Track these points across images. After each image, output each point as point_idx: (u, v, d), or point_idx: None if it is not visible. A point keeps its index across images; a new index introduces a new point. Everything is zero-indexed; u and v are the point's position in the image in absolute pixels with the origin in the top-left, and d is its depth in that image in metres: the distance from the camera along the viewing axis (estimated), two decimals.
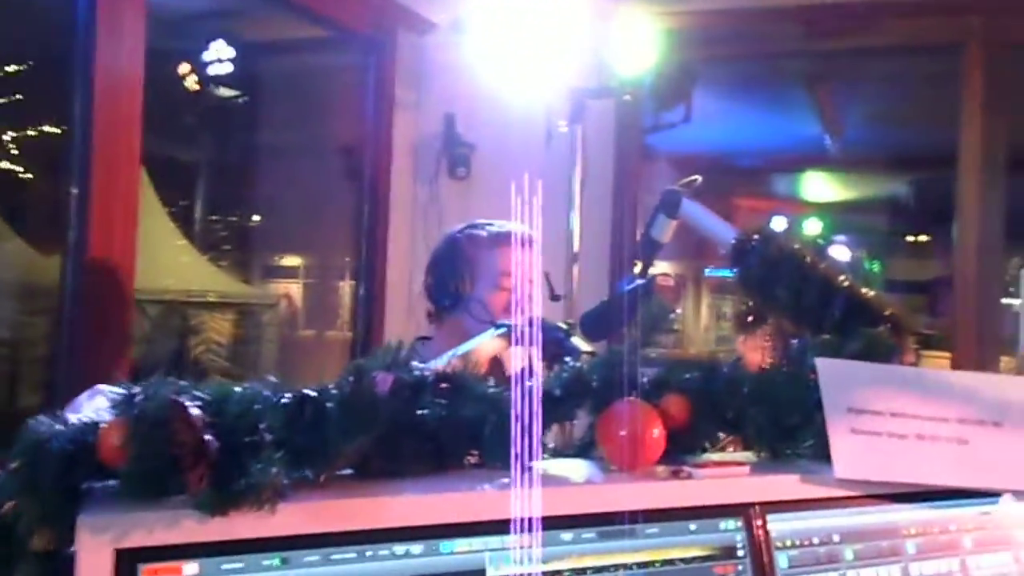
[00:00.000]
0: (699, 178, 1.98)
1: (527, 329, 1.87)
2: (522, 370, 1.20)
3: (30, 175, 6.56)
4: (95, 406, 1.03)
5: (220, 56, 3.54)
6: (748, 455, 1.36)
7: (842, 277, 1.67)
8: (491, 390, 1.21)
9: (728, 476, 1.23)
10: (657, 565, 1.15)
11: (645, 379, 1.31)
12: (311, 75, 3.98)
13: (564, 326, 2.11)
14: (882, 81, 4.29)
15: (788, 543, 1.24)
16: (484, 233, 2.14)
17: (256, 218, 7.58)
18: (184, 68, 3.78)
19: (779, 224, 5.61)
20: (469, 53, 3.46)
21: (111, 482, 1.00)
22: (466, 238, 2.14)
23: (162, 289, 6.72)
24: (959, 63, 3.27)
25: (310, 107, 4.13)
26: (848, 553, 1.27)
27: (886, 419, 1.32)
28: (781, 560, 1.22)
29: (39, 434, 0.94)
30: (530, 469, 1.22)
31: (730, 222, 1.96)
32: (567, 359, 1.64)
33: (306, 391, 1.08)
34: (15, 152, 6.48)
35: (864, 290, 1.67)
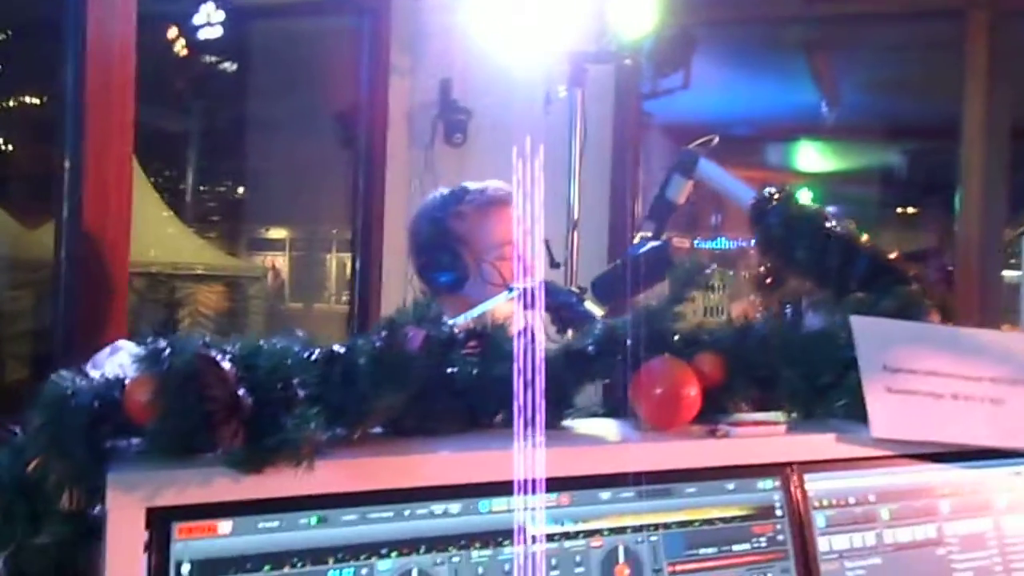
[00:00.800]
0: (716, 138, 1.94)
1: (537, 292, 1.85)
2: (530, 330, 1.16)
3: (11, 147, 6.44)
4: (118, 361, 0.99)
5: (210, 19, 3.45)
6: (778, 415, 1.34)
7: (864, 237, 1.64)
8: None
9: (765, 435, 1.20)
10: (696, 524, 1.12)
11: (676, 337, 1.28)
12: (303, 39, 3.90)
13: (575, 291, 2.09)
14: (882, 49, 4.25)
15: (825, 503, 1.21)
16: (469, 207, 2.06)
17: (243, 189, 7.49)
18: (172, 32, 3.69)
19: None
20: (466, 16, 3.40)
21: (136, 440, 0.96)
22: (452, 216, 2.06)
23: (148, 261, 6.64)
24: (962, 30, 3.23)
25: (302, 73, 4.06)
26: (884, 513, 1.24)
27: (921, 378, 1.30)
28: (818, 520, 1.20)
29: (63, 390, 0.90)
30: (563, 428, 1.19)
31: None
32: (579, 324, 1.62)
33: (336, 347, 1.04)
34: None
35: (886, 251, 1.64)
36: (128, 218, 2.56)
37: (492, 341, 1.17)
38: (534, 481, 1.04)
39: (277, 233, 10.01)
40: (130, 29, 2.51)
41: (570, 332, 1.71)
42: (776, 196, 1.70)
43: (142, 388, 0.92)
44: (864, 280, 1.58)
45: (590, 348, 1.19)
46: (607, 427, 1.21)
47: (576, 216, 3.11)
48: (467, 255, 2.04)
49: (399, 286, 3.64)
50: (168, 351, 0.93)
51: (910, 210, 7.00)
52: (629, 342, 1.21)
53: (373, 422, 1.03)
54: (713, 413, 1.24)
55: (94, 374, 0.96)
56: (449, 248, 2.03)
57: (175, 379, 0.91)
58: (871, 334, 1.31)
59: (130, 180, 2.55)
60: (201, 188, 7.10)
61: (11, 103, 6.39)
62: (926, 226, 6.20)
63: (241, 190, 7.22)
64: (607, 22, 3.25)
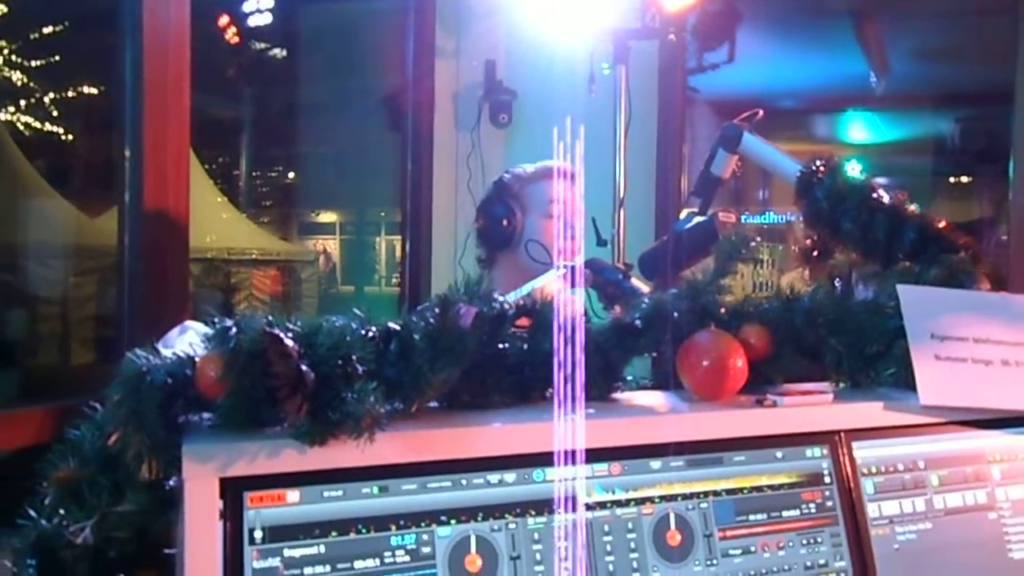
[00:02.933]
0: (760, 112, 1.94)
1: (583, 269, 1.89)
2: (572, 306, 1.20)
3: (71, 136, 6.59)
4: (187, 340, 1.04)
5: (260, 6, 3.51)
6: (825, 385, 1.35)
7: (912, 207, 1.64)
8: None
9: (813, 404, 1.22)
10: (745, 492, 1.15)
11: (723, 309, 1.30)
12: (350, 24, 3.94)
13: (621, 267, 2.12)
14: (932, 15, 4.18)
15: (873, 469, 1.23)
16: (529, 168, 2.22)
17: (294, 174, 7.60)
18: (223, 20, 3.75)
19: None
20: None
21: (206, 414, 1.01)
22: (511, 176, 2.23)
23: (204, 247, 6.79)
24: None
25: (350, 57, 4.10)
26: (933, 479, 1.26)
27: (970, 345, 1.30)
28: (867, 486, 1.22)
29: (139, 368, 0.95)
30: (613, 400, 1.22)
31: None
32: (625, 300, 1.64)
33: (391, 324, 1.09)
34: (55, 114, 6.52)
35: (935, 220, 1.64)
36: (186, 204, 2.63)
37: (542, 317, 1.21)
38: (585, 451, 1.08)
39: (327, 217, 10.13)
40: (185, 17, 2.56)
41: (616, 308, 1.74)
42: (822, 168, 1.71)
43: (212, 365, 0.97)
44: (912, 250, 1.58)
45: (637, 322, 1.22)
46: (656, 399, 1.24)
47: (622, 194, 3.13)
48: (517, 209, 2.16)
49: (449, 267, 3.69)
50: (235, 330, 0.98)
51: (964, 179, 6.87)
52: (676, 315, 1.23)
53: (429, 396, 1.07)
54: (760, 384, 1.26)
55: (166, 353, 1.02)
56: (504, 202, 2.17)
57: (243, 356, 0.95)
58: (918, 303, 1.32)
59: (187, 167, 2.62)
60: (254, 174, 7.23)
61: (70, 93, 6.54)
62: (980, 196, 6.10)
63: (292, 175, 7.34)
64: None
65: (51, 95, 6.63)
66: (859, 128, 6.16)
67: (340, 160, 5.38)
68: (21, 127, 6.53)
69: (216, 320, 1.01)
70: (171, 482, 0.99)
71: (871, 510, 1.21)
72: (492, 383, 1.14)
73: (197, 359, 0.98)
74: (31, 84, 6.54)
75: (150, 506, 0.96)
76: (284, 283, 7.99)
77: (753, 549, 1.13)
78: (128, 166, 2.54)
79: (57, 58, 6.44)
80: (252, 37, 3.94)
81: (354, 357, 1.00)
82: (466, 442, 1.03)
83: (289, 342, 0.96)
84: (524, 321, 1.21)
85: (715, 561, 1.11)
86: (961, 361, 1.29)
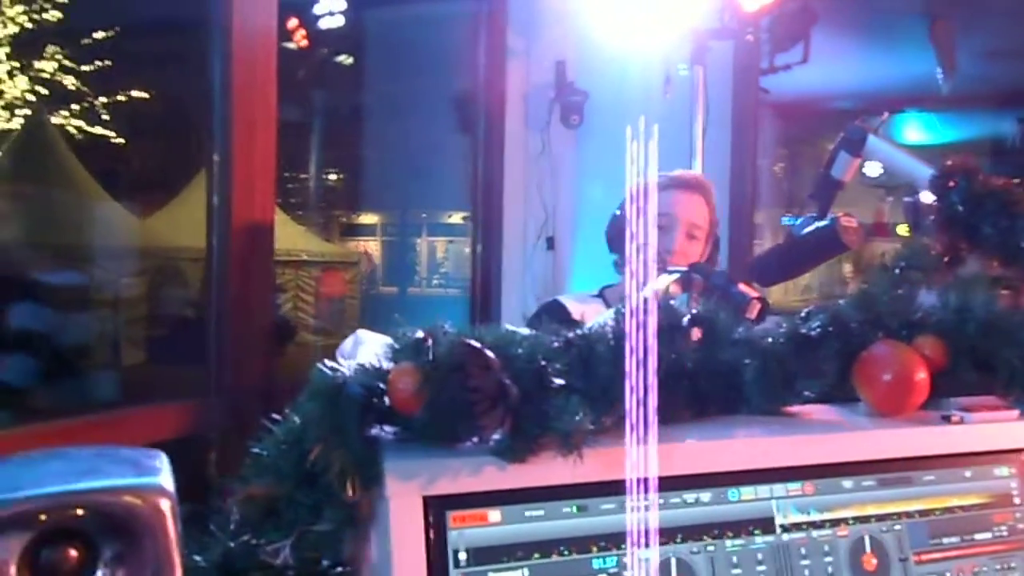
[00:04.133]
0: (886, 114, 1.89)
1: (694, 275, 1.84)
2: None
3: (123, 140, 6.62)
4: (370, 351, 1.00)
5: (331, 9, 3.48)
6: (995, 399, 1.30)
7: None
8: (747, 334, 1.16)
9: (1000, 420, 1.16)
10: (937, 513, 1.10)
11: (894, 321, 1.25)
12: (422, 25, 3.91)
13: (727, 272, 2.07)
14: (1004, 15, 4.10)
15: None
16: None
17: (341, 177, 7.59)
18: (292, 23, 3.73)
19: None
20: None
21: (393, 428, 0.97)
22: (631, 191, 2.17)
23: None
24: None
25: (419, 60, 4.07)
26: None
27: None
28: None
29: (335, 380, 0.91)
30: (792, 415, 1.17)
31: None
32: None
33: (578, 334, 1.04)
34: (106, 117, 6.54)
35: None
36: (272, 209, 2.62)
37: (716, 326, 1.16)
38: (782, 469, 1.03)
39: (368, 219, 10.12)
40: (272, 23, 2.54)
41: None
42: (959, 171, 1.65)
43: (408, 378, 0.92)
44: None
45: (815, 332, 1.17)
46: (835, 414, 1.19)
47: None
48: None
49: (519, 269, 3.65)
50: (430, 342, 0.93)
51: (1015, 180, 6.76)
52: (853, 325, 1.18)
53: (620, 410, 1.02)
54: (936, 398, 1.21)
55: (349, 364, 0.98)
56: (622, 209, 2.13)
57: (441, 369, 0.91)
58: None
59: (274, 171, 2.60)
60: (301, 176, 7.22)
61: (120, 98, 6.56)
62: None
63: (341, 177, 7.34)
64: None
65: (101, 99, 6.66)
66: (915, 129, 6.07)
67: (403, 162, 5.35)
68: (73, 130, 6.57)
69: (403, 330, 0.97)
70: (372, 497, 0.94)
71: None
72: (673, 396, 1.09)
73: (391, 371, 0.94)
74: (83, 88, 6.58)
75: (347, 525, 0.92)
76: (330, 284, 8.01)
77: (948, 574, 1.08)
78: (217, 171, 2.52)
79: (108, 63, 6.47)
80: (322, 40, 3.91)
81: (549, 369, 0.95)
82: (665, 459, 0.98)
83: (490, 354, 0.92)
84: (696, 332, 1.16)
85: None
86: None
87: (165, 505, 0.86)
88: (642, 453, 0.99)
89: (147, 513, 0.82)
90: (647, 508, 0.97)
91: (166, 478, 0.88)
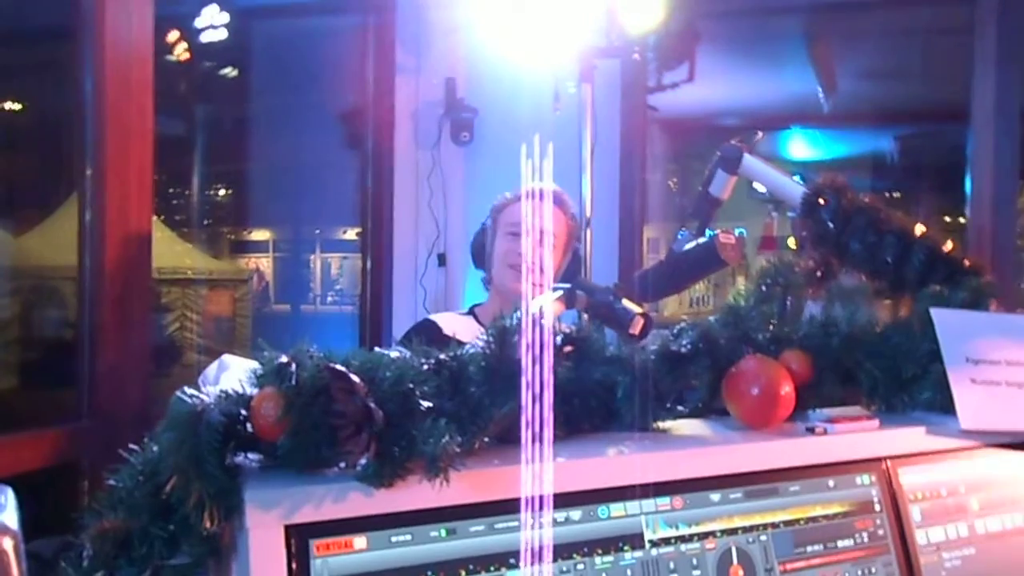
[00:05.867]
0: (760, 133, 1.94)
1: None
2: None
3: None
4: (233, 377, 0.97)
5: (213, 22, 3.40)
6: (858, 409, 1.34)
7: (920, 230, 1.64)
8: (618, 352, 1.18)
9: (862, 431, 1.20)
10: (802, 522, 1.13)
11: (760, 336, 1.28)
12: (309, 40, 3.86)
13: (611, 288, 2.09)
14: (882, 36, 4.28)
15: (919, 495, 1.22)
16: (499, 203, 2.20)
17: (228, 192, 7.42)
18: (173, 36, 3.63)
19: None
20: (471, 14, 3.38)
21: (255, 455, 0.95)
22: (493, 207, 2.21)
23: None
24: (969, 14, 3.24)
25: (305, 74, 4.02)
26: (974, 503, 1.25)
27: (1003, 368, 1.31)
28: (914, 513, 1.21)
29: (193, 407, 0.88)
30: (663, 431, 1.19)
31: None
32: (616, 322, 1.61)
33: (445, 356, 1.04)
34: None
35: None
36: (149, 224, 2.53)
37: (587, 345, 1.17)
38: (650, 485, 1.04)
39: (260, 235, 9.91)
40: (147, 32, 2.46)
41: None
42: (828, 190, 1.70)
43: (271, 403, 0.90)
44: (922, 272, 1.58)
45: (685, 348, 1.18)
46: (704, 428, 1.21)
47: (589, 213, 3.10)
48: (490, 232, 2.17)
49: (410, 287, 3.62)
50: (292, 366, 0.91)
51: (895, 195, 7.06)
52: (722, 342, 1.21)
53: (491, 431, 1.02)
54: (802, 410, 1.24)
55: (209, 390, 0.95)
56: (483, 225, 2.21)
57: (305, 393, 0.89)
58: (952, 326, 1.32)
59: (151, 185, 2.51)
60: (185, 192, 7.03)
61: None
62: (915, 212, 6.26)
63: (227, 192, 7.17)
64: (614, 17, 3.24)
65: None
66: (801, 145, 6.28)
67: (291, 177, 5.25)
68: None
69: (268, 354, 0.94)
70: (215, 530, 0.91)
71: (919, 537, 1.20)
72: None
73: (253, 397, 0.92)
74: None
75: (207, 557, 0.89)
76: (216, 303, 7.78)
77: None
78: (89, 185, 2.43)
79: None
80: (205, 52, 3.81)
81: (417, 392, 0.94)
82: (536, 479, 0.98)
83: (354, 378, 0.90)
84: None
85: None
86: (996, 384, 1.29)
87: (8, 544, 0.82)
88: (526, 474, 0.99)
89: None
90: (521, 528, 0.96)
91: (9, 515, 0.84)
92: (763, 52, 4.57)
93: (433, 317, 2.18)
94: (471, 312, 2.17)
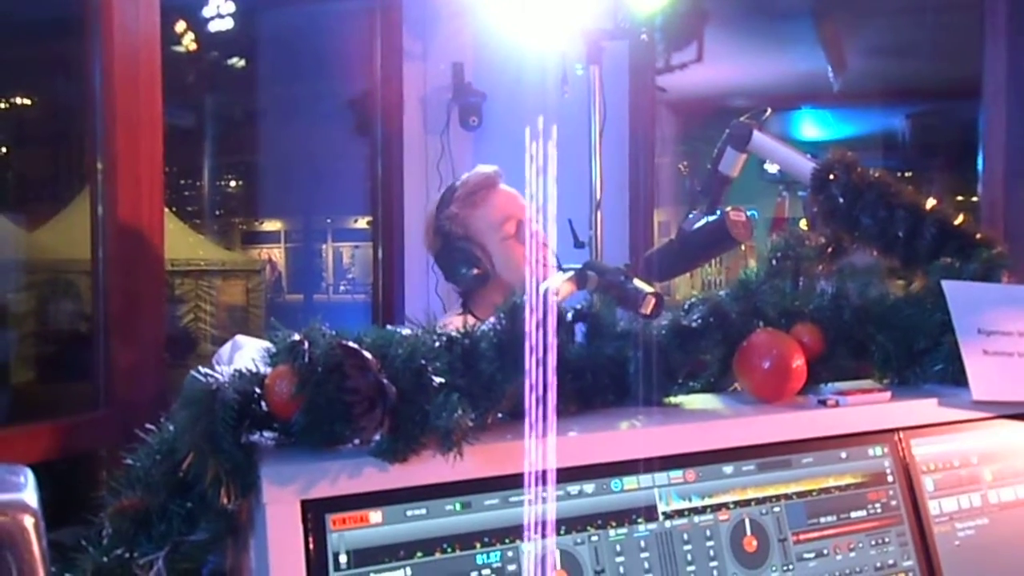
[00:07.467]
0: (769, 110, 1.93)
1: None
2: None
3: (3, 149, 6.35)
4: (246, 356, 0.98)
5: (220, 11, 3.41)
6: (870, 382, 1.34)
7: (931, 204, 1.63)
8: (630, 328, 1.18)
9: (873, 403, 1.20)
10: (815, 494, 1.13)
11: (771, 310, 1.28)
12: (315, 27, 3.85)
13: (622, 268, 2.08)
14: (890, 13, 4.26)
15: (932, 467, 1.22)
16: (455, 205, 2.05)
17: (239, 183, 7.45)
18: (180, 26, 3.64)
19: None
20: None
21: (270, 433, 0.96)
22: (446, 220, 2.05)
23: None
24: None
25: (313, 62, 4.02)
26: (987, 474, 1.25)
27: (1015, 339, 1.30)
28: (927, 484, 1.21)
29: (208, 386, 0.89)
30: (675, 405, 1.19)
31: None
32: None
33: (456, 333, 1.04)
34: None
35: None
36: (161, 216, 2.54)
37: (599, 321, 1.18)
38: (661, 458, 1.04)
39: (272, 225, 9.94)
40: (154, 21, 2.47)
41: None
42: (837, 165, 1.70)
43: (284, 381, 0.91)
44: (933, 246, 1.58)
45: (696, 323, 1.19)
46: (717, 402, 1.21)
47: (599, 195, 3.10)
48: (476, 249, 2.02)
49: (422, 273, 3.63)
50: (307, 344, 0.92)
51: (907, 174, 7.03)
52: (733, 316, 1.21)
53: (503, 406, 1.03)
54: (814, 383, 1.24)
55: (223, 370, 0.96)
56: (458, 250, 2.02)
57: (317, 371, 0.90)
58: (964, 298, 1.31)
59: (162, 177, 2.52)
60: (196, 183, 7.05)
61: (2, 105, 6.30)
62: (927, 190, 6.23)
63: (239, 183, 7.20)
64: None
65: None
66: (811, 125, 6.26)
67: (301, 167, 5.26)
68: None
69: (281, 334, 0.95)
70: (233, 507, 0.92)
71: (932, 507, 1.20)
72: (558, 390, 1.10)
73: (267, 375, 0.93)
74: None
75: (225, 534, 0.90)
76: (230, 293, 7.82)
77: (826, 552, 1.11)
78: (101, 178, 2.44)
79: None
80: (212, 42, 3.82)
81: (429, 368, 0.95)
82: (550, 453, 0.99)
83: (367, 354, 0.91)
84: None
85: (791, 566, 1.09)
86: (1008, 355, 1.29)
87: (28, 522, 0.83)
88: (536, 447, 1.00)
89: (8, 529, 0.79)
90: (534, 501, 0.97)
91: (30, 495, 0.85)
92: (771, 31, 4.55)
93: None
94: (466, 312, 2.05)
